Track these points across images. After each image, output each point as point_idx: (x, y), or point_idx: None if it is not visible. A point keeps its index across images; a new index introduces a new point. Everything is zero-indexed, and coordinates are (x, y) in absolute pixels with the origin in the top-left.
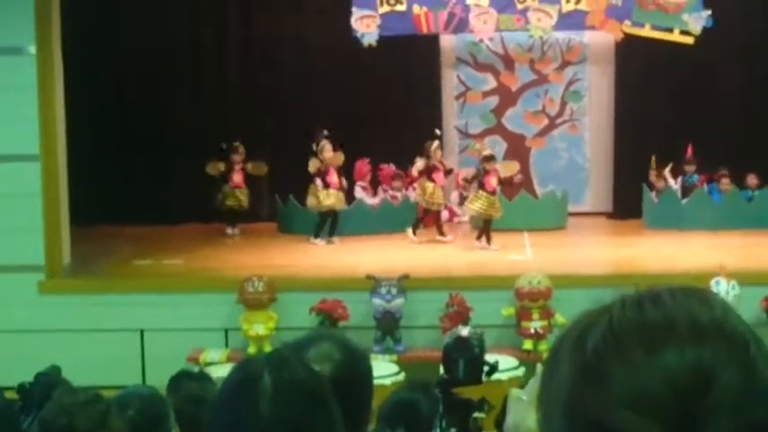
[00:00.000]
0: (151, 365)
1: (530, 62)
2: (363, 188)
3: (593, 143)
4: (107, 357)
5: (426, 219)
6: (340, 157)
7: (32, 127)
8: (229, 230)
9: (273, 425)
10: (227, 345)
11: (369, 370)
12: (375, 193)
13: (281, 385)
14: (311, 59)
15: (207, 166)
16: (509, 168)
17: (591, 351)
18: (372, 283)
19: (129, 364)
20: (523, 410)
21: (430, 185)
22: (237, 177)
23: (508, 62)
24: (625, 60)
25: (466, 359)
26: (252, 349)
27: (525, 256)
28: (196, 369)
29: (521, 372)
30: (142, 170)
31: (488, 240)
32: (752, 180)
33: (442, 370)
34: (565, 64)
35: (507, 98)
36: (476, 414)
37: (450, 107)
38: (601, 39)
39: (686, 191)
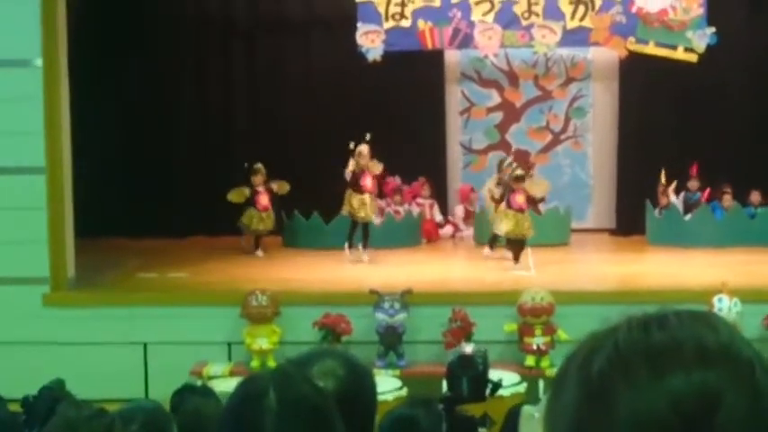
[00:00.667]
0: (154, 379)
1: (534, 78)
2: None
3: (596, 160)
4: (110, 370)
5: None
6: (377, 166)
7: (38, 140)
8: (260, 253)
9: None
10: (230, 359)
11: (372, 386)
12: (380, 209)
13: (285, 402)
14: (315, 74)
15: (230, 195)
16: (539, 187)
17: (596, 373)
18: (375, 298)
19: (132, 378)
20: (535, 428)
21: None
22: (264, 199)
23: (512, 78)
24: (629, 77)
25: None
26: (255, 363)
27: (528, 271)
28: (199, 383)
29: (523, 388)
30: (148, 183)
31: (515, 260)
32: (755, 197)
33: (444, 386)
34: (569, 80)
35: (511, 114)
36: (479, 430)
37: (454, 123)
38: (605, 56)
39: (689, 208)
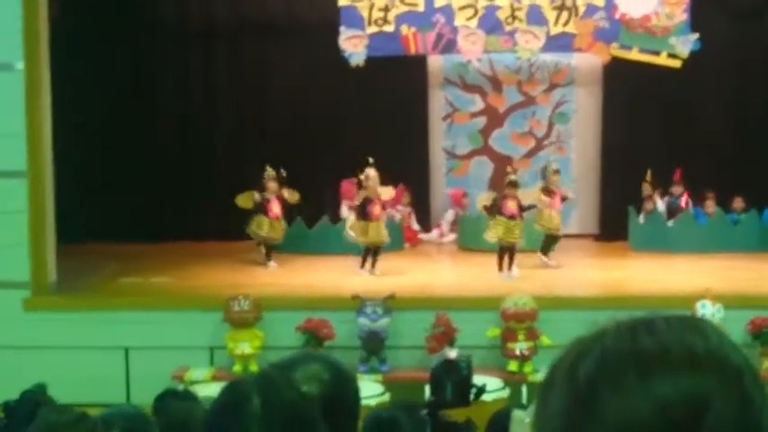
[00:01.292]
0: (136, 383)
1: (517, 84)
2: (350, 208)
3: (579, 165)
4: (92, 375)
5: (410, 237)
6: (389, 192)
7: (20, 143)
8: (273, 264)
9: None
10: (212, 363)
11: (356, 391)
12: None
13: (269, 408)
14: (298, 79)
15: (238, 199)
16: (532, 197)
17: (584, 378)
18: (358, 303)
19: (113, 382)
20: None
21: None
22: (276, 207)
23: (496, 83)
24: (612, 83)
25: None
26: (237, 368)
27: (511, 277)
28: (181, 388)
29: (506, 393)
30: (130, 187)
31: (509, 266)
32: (738, 203)
33: (428, 391)
34: (552, 86)
35: (495, 119)
36: None
37: (437, 128)
38: (588, 61)
39: (672, 213)
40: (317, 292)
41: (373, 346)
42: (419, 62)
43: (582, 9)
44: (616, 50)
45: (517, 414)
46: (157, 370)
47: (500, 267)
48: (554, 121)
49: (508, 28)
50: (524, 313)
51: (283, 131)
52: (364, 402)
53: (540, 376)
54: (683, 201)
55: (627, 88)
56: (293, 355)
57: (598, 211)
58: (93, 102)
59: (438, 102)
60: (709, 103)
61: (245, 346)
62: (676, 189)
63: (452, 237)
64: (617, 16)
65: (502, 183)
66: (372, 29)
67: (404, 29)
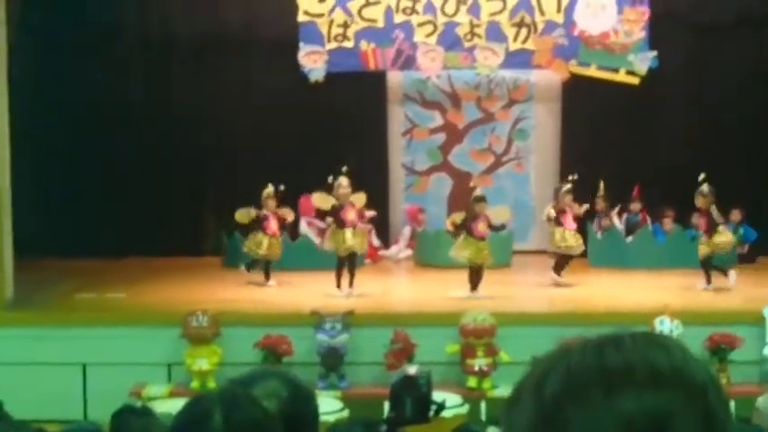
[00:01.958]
0: (93, 400)
1: (477, 100)
2: (309, 224)
3: (538, 181)
4: (49, 391)
5: (371, 253)
6: (360, 198)
7: None
8: (273, 282)
9: None
10: (170, 380)
11: (315, 407)
12: (321, 229)
13: (232, 424)
14: (257, 95)
15: (237, 214)
16: (500, 214)
17: (549, 395)
18: (317, 319)
19: (71, 399)
20: None
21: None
22: (274, 225)
23: (455, 100)
24: (571, 99)
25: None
26: (195, 384)
27: (470, 293)
28: (139, 404)
29: (465, 409)
30: (87, 203)
31: (475, 287)
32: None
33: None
34: (511, 102)
35: (454, 136)
36: None
37: (396, 144)
38: (547, 78)
39: (630, 229)
40: (275, 307)
41: (332, 362)
42: (378, 78)
43: (541, 26)
44: (575, 67)
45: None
46: (115, 386)
47: (473, 287)
48: (513, 137)
49: (467, 44)
50: (483, 329)
51: (242, 147)
52: (323, 418)
53: (499, 392)
54: (642, 218)
55: (585, 105)
56: (251, 372)
57: None
58: (51, 117)
59: (397, 118)
60: (668, 119)
61: (203, 362)
62: (634, 206)
63: (408, 252)
64: (576, 33)
65: (461, 199)
66: (332, 45)
67: (363, 45)
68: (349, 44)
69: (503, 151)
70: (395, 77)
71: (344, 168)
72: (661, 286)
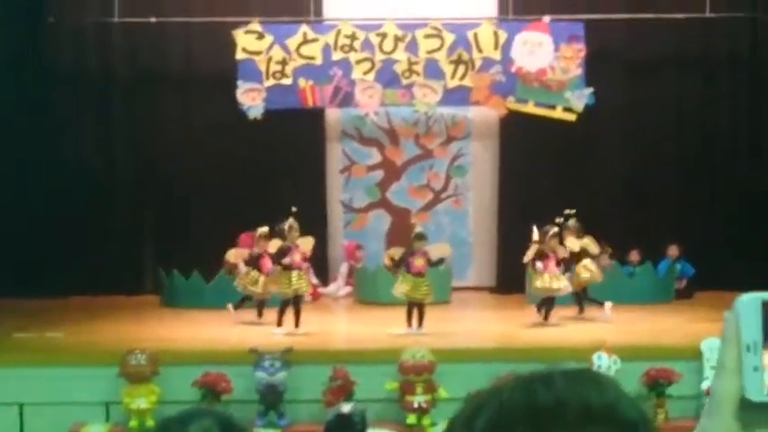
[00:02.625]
0: None
1: (415, 137)
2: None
3: (476, 218)
4: None
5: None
6: (309, 242)
7: None
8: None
9: None
10: (108, 419)
11: None
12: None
13: None
14: (196, 132)
15: (230, 254)
16: (441, 252)
17: None
18: (256, 357)
19: None
20: None
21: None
22: (269, 263)
23: (393, 137)
24: (509, 136)
25: None
26: (134, 423)
27: (410, 330)
28: None
29: None
30: (25, 241)
31: (419, 323)
32: (633, 256)
33: None
34: (449, 139)
35: (392, 173)
36: None
37: (334, 181)
38: (485, 114)
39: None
40: (214, 345)
41: (271, 399)
42: (317, 115)
43: (478, 63)
44: (512, 104)
45: None
46: (53, 426)
47: (408, 323)
48: (451, 174)
49: (405, 81)
50: (422, 366)
51: (181, 185)
52: None
53: (438, 429)
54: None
55: (523, 141)
56: (186, 411)
57: (495, 263)
58: None
59: (335, 155)
60: (605, 156)
61: (142, 401)
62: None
63: (348, 290)
64: (513, 70)
65: (400, 236)
66: (270, 82)
67: (301, 82)
68: (287, 81)
69: (441, 188)
70: (333, 114)
71: (293, 209)
72: (599, 321)
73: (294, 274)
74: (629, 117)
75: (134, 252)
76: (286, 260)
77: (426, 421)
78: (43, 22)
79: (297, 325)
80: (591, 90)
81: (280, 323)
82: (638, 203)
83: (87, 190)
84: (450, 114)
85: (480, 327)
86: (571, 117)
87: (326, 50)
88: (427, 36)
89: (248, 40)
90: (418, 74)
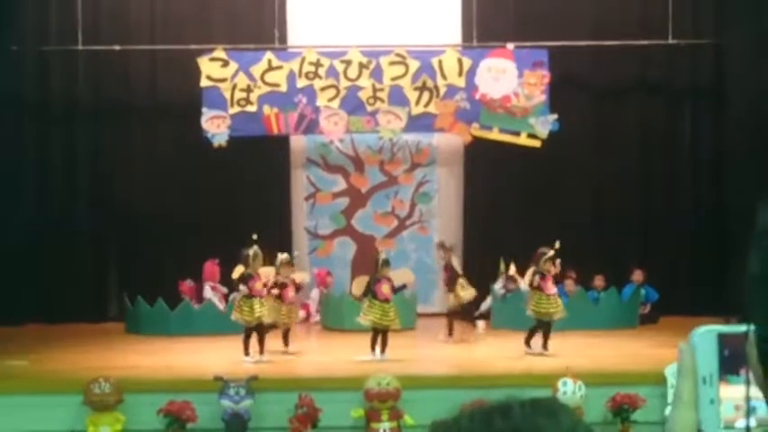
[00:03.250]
0: None
1: (380, 164)
2: (213, 288)
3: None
4: None
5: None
6: (270, 270)
7: None
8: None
9: None
10: None
11: None
12: (225, 294)
13: None
14: (160, 159)
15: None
16: (404, 278)
17: None
18: (220, 385)
19: None
20: None
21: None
22: (292, 292)
23: (358, 164)
24: (473, 162)
25: None
26: None
27: (374, 356)
28: None
29: None
30: None
31: (383, 349)
32: (598, 281)
33: None
34: (414, 166)
35: (357, 199)
36: None
37: (299, 208)
38: (450, 141)
39: None
40: (178, 373)
41: (236, 427)
42: (281, 142)
43: (443, 90)
44: (477, 131)
45: None
46: None
47: (372, 348)
48: (416, 200)
49: (370, 108)
50: (387, 393)
51: (144, 213)
52: None
53: None
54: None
55: (488, 167)
56: None
57: None
58: None
59: (300, 182)
60: (569, 182)
61: (106, 429)
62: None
63: (317, 317)
64: (477, 97)
65: (365, 263)
66: (235, 109)
67: (266, 109)
68: (252, 108)
69: (406, 215)
70: (298, 141)
71: (254, 236)
72: (564, 347)
73: (256, 301)
74: (593, 143)
75: (98, 279)
76: (243, 288)
77: None
78: (6, 49)
79: (261, 352)
80: (555, 116)
81: (246, 352)
82: (602, 229)
83: (50, 219)
84: (414, 141)
85: (446, 353)
86: (536, 143)
87: (291, 77)
88: (392, 63)
89: (213, 68)
90: (383, 101)
